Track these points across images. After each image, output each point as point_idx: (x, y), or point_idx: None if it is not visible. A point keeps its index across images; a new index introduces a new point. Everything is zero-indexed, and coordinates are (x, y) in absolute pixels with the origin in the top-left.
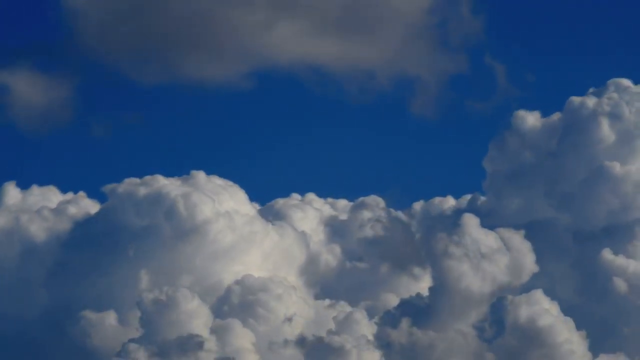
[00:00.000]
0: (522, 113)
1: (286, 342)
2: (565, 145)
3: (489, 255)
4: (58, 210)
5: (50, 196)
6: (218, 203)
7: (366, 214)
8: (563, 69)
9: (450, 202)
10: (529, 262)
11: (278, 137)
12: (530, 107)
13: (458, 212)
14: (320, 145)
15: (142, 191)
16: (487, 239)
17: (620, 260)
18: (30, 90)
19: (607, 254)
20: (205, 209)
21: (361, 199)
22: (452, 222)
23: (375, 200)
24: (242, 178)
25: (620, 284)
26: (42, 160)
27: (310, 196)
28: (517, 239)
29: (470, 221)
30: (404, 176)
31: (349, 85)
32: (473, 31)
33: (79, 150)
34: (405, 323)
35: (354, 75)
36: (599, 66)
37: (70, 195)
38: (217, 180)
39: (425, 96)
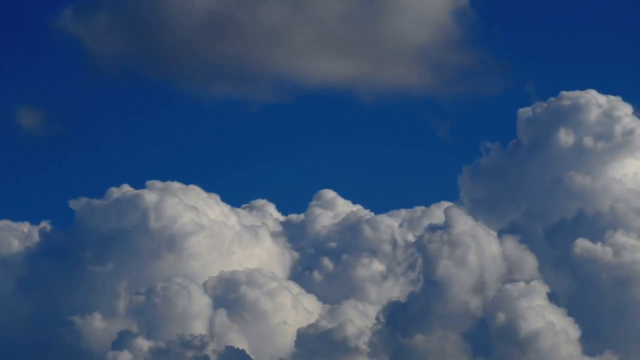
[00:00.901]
0: (487, 143)
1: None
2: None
3: (481, 256)
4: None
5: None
6: (194, 209)
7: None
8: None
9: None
10: (528, 265)
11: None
12: None
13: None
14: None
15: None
16: (480, 240)
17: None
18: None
19: (580, 248)
20: (180, 214)
21: (344, 204)
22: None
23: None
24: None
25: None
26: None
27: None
28: (513, 242)
29: (460, 220)
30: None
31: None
32: (494, 49)
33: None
34: (394, 327)
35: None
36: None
37: None
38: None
39: (444, 115)
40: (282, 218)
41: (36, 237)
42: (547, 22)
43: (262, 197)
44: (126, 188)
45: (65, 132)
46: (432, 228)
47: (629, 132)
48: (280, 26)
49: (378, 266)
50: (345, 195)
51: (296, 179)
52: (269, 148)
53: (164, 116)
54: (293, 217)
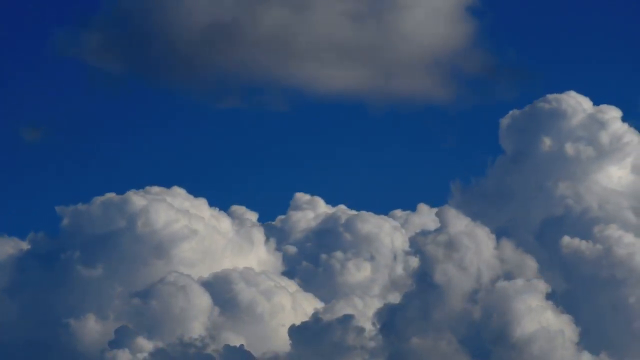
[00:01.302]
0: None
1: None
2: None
3: (477, 257)
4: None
5: None
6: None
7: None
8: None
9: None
10: (526, 266)
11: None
12: None
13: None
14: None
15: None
16: (476, 240)
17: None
18: None
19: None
20: (172, 218)
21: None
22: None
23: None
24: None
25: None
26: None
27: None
28: (509, 246)
29: (455, 221)
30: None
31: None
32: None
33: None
34: (390, 330)
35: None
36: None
37: None
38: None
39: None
40: (273, 222)
41: (26, 245)
42: (561, 27)
43: (248, 201)
44: (110, 195)
45: (59, 143)
46: (426, 232)
47: (618, 139)
48: (282, 31)
49: (372, 268)
50: (337, 197)
51: (275, 185)
52: (265, 152)
53: (165, 125)
54: (281, 220)
